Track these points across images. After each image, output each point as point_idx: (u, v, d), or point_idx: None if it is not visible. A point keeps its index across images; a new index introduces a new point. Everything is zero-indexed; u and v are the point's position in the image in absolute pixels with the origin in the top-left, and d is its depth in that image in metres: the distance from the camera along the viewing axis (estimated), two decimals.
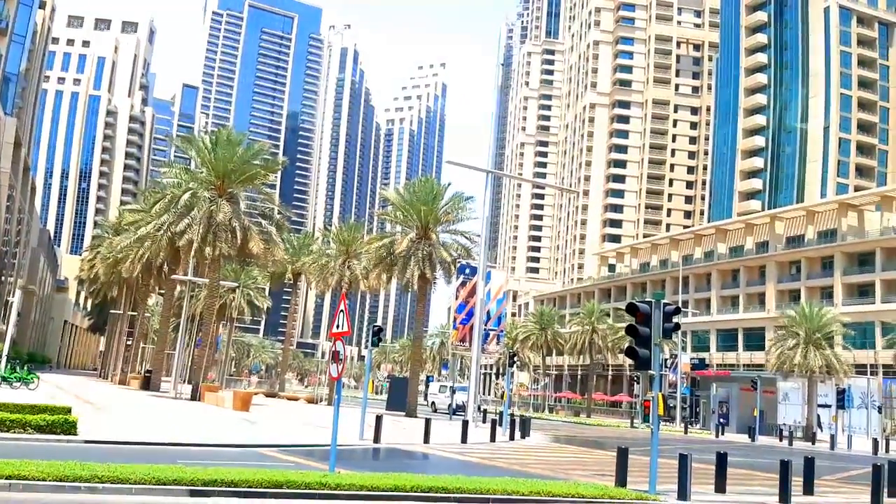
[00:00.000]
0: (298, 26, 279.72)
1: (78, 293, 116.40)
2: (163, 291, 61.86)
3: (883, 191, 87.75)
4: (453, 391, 48.47)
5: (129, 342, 69.95)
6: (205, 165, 43.54)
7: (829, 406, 59.20)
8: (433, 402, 59.23)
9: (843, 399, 53.59)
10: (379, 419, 24.29)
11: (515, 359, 43.26)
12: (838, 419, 56.01)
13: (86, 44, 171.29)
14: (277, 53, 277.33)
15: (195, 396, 42.07)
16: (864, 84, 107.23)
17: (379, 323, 43.64)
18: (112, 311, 79.28)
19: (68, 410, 19.13)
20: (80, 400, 33.42)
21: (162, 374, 55.34)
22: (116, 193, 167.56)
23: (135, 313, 66.89)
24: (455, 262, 45.78)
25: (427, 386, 70.89)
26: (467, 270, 43.06)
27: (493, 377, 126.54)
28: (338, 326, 15.40)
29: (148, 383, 51.83)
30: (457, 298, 43.62)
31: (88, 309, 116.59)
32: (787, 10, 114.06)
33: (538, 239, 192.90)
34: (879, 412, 62.66)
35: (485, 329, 39.27)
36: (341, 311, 15.50)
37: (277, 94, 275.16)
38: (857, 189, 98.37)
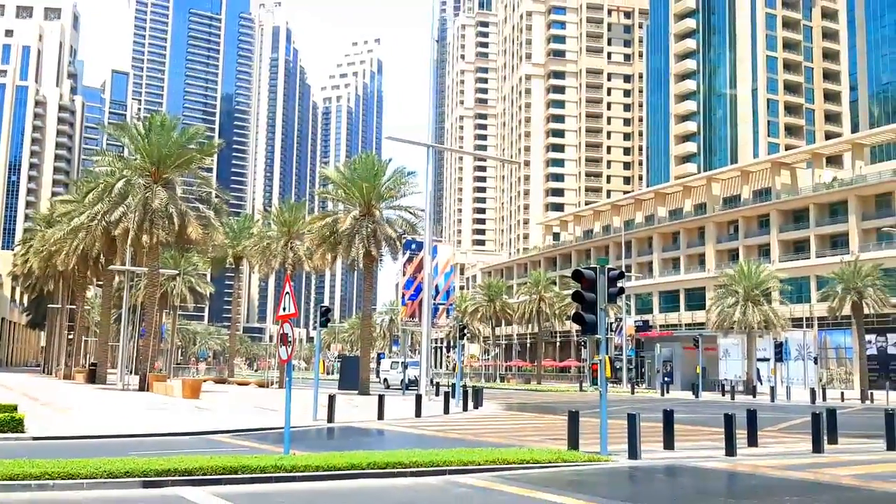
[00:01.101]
0: (227, 6, 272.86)
1: (13, 289, 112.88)
2: (101, 283, 60.42)
3: (812, 148, 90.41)
4: (405, 366, 48.64)
5: (70, 336, 68.23)
6: (138, 152, 42.45)
7: (768, 360, 61.18)
8: (385, 379, 59.37)
9: (780, 352, 55.43)
10: (332, 399, 24.28)
11: (465, 331, 43.57)
12: (777, 372, 57.95)
13: (9, 33, 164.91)
14: (208, 34, 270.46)
15: (143, 387, 41.37)
16: (789, 45, 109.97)
17: (326, 303, 43.49)
18: (50, 306, 77.18)
19: (14, 408, 18.63)
20: (26, 397, 32.59)
21: (107, 366, 54.22)
22: (48, 185, 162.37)
23: (74, 306, 65.26)
24: (400, 238, 45.68)
25: (379, 363, 70.81)
26: (413, 246, 42.99)
27: (445, 350, 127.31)
28: (284, 309, 15.28)
29: (94, 376, 50.74)
30: (404, 274, 43.55)
31: (25, 304, 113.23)
32: None
33: (483, 211, 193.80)
34: (815, 363, 65.06)
35: (434, 303, 39.41)
36: (286, 293, 15.37)
37: (210, 77, 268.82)
38: (787, 148, 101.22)
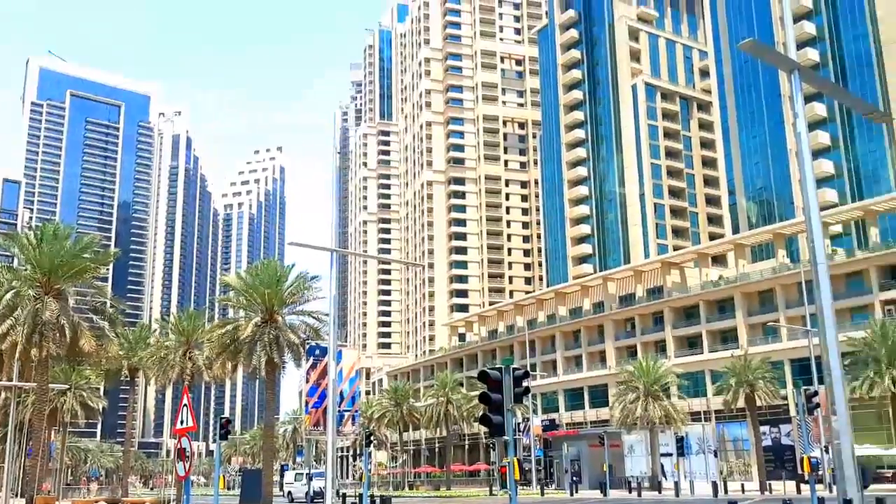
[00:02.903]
0: (126, 114, 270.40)
1: None
2: None
3: (698, 249, 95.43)
4: (310, 478, 47.08)
5: None
6: (29, 262, 40.87)
7: (671, 454, 62.32)
8: (290, 492, 57.08)
9: (682, 447, 56.64)
10: None
11: (372, 438, 42.80)
12: (680, 466, 59.05)
13: None
14: (105, 143, 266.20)
15: None
16: (671, 154, 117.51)
17: (226, 414, 41.99)
18: None
19: None
20: None
21: None
22: None
23: None
24: (304, 343, 45.05)
25: (282, 475, 68.25)
26: (317, 352, 42.46)
27: (351, 459, 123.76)
28: (182, 422, 14.87)
29: None
30: (308, 381, 42.80)
31: None
32: (599, 88, 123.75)
33: (388, 314, 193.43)
34: (715, 456, 66.71)
35: (339, 410, 38.73)
36: (185, 405, 14.99)
37: (107, 184, 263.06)
38: (675, 248, 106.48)
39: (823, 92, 19.94)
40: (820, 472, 41.93)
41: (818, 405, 37.70)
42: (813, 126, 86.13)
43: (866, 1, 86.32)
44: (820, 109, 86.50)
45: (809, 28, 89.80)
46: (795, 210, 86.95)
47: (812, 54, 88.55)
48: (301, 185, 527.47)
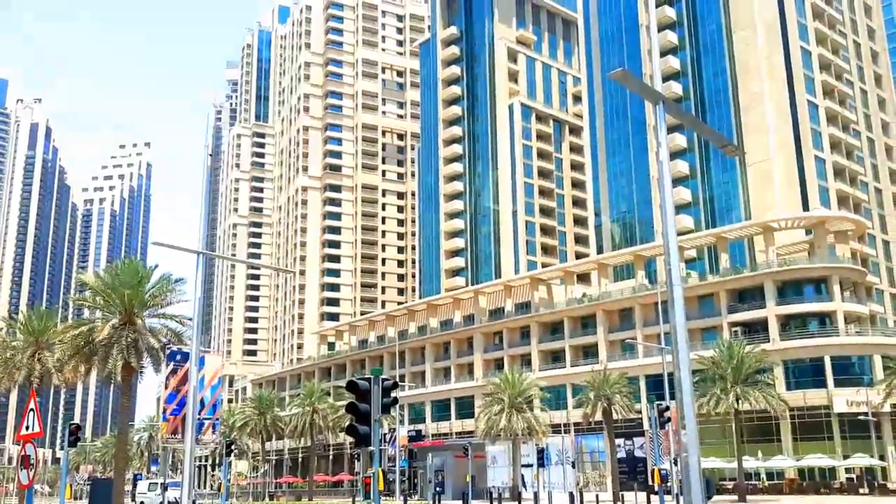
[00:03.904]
0: None
1: None
2: None
3: (565, 267, 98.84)
4: (165, 488, 45.19)
5: None
6: None
7: (532, 465, 63.93)
8: (142, 503, 54.58)
9: (542, 458, 58.20)
10: None
11: (233, 447, 41.62)
12: (539, 477, 60.65)
13: None
14: None
15: None
16: (544, 174, 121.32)
17: (77, 420, 39.68)
18: None
19: None
20: None
21: None
22: None
23: None
24: (165, 348, 43.21)
25: (135, 485, 65.21)
26: (178, 357, 40.79)
27: (210, 469, 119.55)
28: (27, 428, 13.96)
29: None
30: (167, 388, 41.04)
31: None
32: (478, 105, 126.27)
33: (255, 321, 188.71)
34: (573, 467, 69.04)
35: (199, 418, 37.41)
36: (31, 409, 14.10)
37: None
38: (544, 265, 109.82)
39: (684, 124, 21.21)
40: (669, 484, 44.13)
41: (669, 419, 39.78)
42: (674, 155, 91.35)
43: (725, 42, 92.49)
44: (681, 140, 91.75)
45: (674, 63, 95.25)
46: (655, 234, 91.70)
47: (676, 88, 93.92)
48: (169, 184, 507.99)
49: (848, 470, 64.56)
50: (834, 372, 66.73)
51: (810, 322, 72.13)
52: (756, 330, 71.46)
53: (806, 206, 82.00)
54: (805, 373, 68.71)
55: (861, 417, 61.17)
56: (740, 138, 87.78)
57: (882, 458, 64.23)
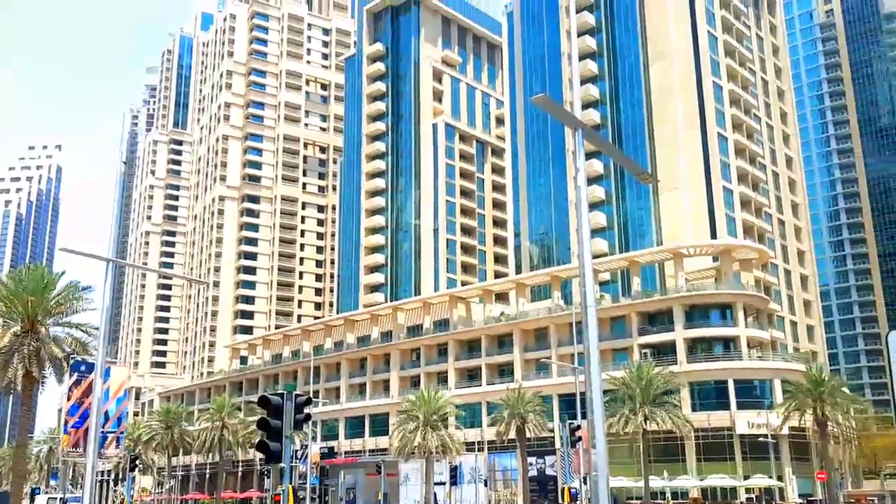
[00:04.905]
0: None
1: None
2: None
3: (484, 285, 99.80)
4: (64, 502, 43.30)
5: None
6: None
7: (445, 483, 64.11)
8: None
9: (455, 476, 58.57)
10: None
11: (137, 462, 40.30)
12: (452, 495, 60.85)
13: None
14: None
15: None
16: (465, 193, 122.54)
17: None
18: None
19: None
20: None
21: None
22: None
23: None
24: (69, 358, 41.62)
25: (33, 499, 62.40)
26: (83, 367, 39.39)
27: (112, 484, 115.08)
28: None
29: None
30: (69, 399, 39.52)
31: None
32: (402, 122, 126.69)
33: (165, 332, 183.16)
34: (486, 486, 69.45)
35: (102, 431, 36.11)
36: None
37: None
38: (463, 284, 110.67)
39: (602, 151, 21.93)
40: (578, 502, 44.92)
41: (580, 438, 40.57)
42: (591, 181, 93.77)
43: (643, 73, 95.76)
44: (598, 166, 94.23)
45: (594, 91, 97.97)
46: (571, 256, 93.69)
47: (595, 115, 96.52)
48: (81, 188, 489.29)
49: (748, 490, 67.01)
50: (737, 395, 69.36)
51: (716, 346, 74.84)
52: (665, 352, 73.63)
53: (714, 235, 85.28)
54: (710, 395, 71.20)
55: (761, 439, 63.66)
56: (654, 167, 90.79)
57: (780, 478, 66.91)
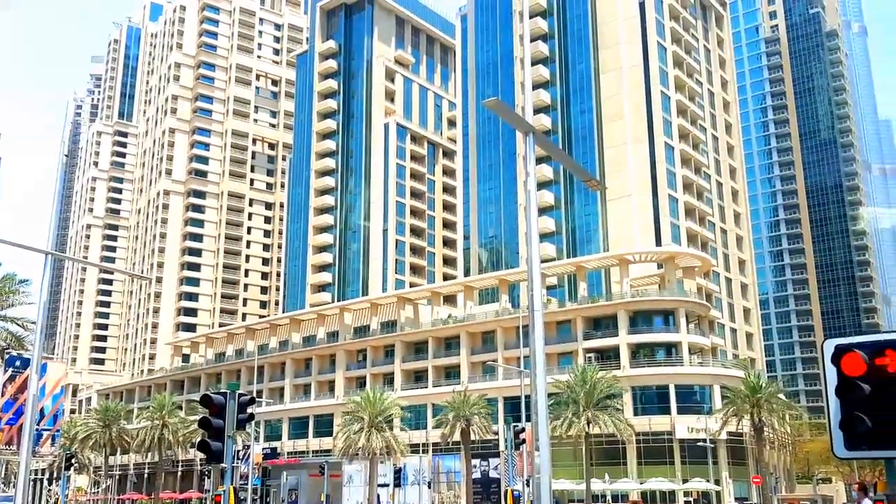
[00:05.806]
0: None
1: None
2: None
3: (432, 287, 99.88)
4: None
5: None
6: None
7: (388, 485, 63.90)
8: None
9: (399, 477, 58.44)
10: None
11: (73, 461, 39.28)
12: (395, 497, 60.69)
13: None
14: None
15: None
16: (416, 194, 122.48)
17: None
18: None
19: None
20: None
21: None
22: None
23: None
24: (3, 352, 40.38)
25: None
26: (18, 363, 38.19)
27: (46, 483, 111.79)
28: None
29: None
30: (3, 395, 38.30)
31: None
32: (353, 121, 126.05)
33: (105, 327, 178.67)
34: (429, 487, 69.38)
35: (37, 429, 35.09)
36: None
37: None
38: (412, 285, 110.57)
39: (552, 156, 22.13)
40: None
41: (524, 441, 40.83)
42: (541, 186, 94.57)
43: (593, 80, 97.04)
44: (548, 171, 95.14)
45: (545, 97, 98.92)
46: (520, 260, 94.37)
47: (546, 121, 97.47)
48: (19, 177, 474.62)
49: (686, 493, 68.35)
50: (677, 399, 70.72)
51: (658, 351, 76.17)
52: (609, 357, 74.68)
53: (659, 242, 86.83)
54: (651, 399, 72.45)
55: (700, 444, 64.99)
56: (602, 174, 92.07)
57: (717, 482, 68.39)
